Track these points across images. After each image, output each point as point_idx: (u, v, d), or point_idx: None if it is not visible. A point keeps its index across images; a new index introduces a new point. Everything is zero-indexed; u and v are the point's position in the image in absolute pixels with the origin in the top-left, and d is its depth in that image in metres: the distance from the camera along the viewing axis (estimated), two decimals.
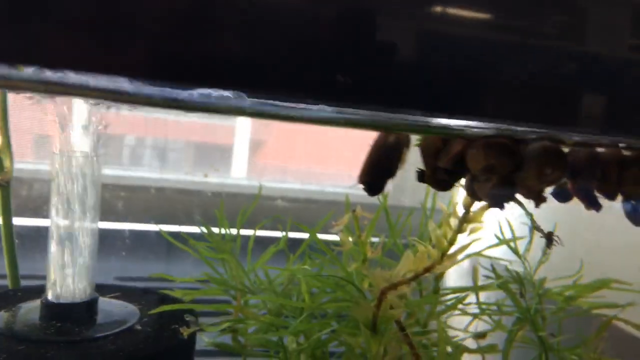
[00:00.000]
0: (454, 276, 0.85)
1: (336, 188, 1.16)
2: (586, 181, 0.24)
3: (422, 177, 0.25)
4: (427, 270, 0.43)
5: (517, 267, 0.63)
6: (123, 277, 0.85)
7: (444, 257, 0.43)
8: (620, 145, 0.24)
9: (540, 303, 0.61)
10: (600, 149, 0.24)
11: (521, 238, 0.63)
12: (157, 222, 1.05)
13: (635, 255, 0.87)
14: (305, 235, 0.54)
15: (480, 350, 0.54)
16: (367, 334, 0.43)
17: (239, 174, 1.19)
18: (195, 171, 1.16)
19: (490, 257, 0.65)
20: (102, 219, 0.47)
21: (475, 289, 0.60)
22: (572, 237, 1.02)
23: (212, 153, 1.19)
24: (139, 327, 0.46)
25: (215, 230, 0.56)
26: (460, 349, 0.56)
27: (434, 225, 0.43)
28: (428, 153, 0.25)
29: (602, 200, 0.49)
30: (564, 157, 0.23)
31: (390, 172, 0.28)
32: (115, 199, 0.99)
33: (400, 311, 0.43)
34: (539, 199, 0.24)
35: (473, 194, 0.24)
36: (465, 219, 0.43)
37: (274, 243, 0.56)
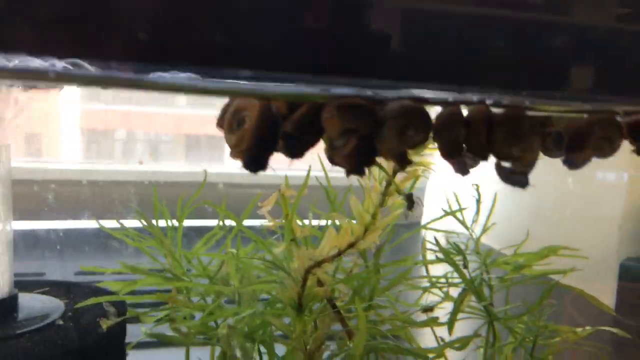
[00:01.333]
0: None
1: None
2: (452, 142, 0.23)
3: None
4: (351, 245, 0.42)
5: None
6: (82, 272, 0.84)
7: (367, 232, 0.42)
8: (488, 102, 0.23)
9: (488, 273, 0.61)
10: (466, 108, 0.23)
11: (465, 208, 0.62)
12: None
13: (598, 224, 0.87)
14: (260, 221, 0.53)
15: (423, 323, 0.54)
16: (292, 314, 0.42)
17: (231, 163, 1.18)
18: (188, 162, 1.14)
19: (439, 231, 0.65)
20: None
21: (424, 262, 0.60)
22: (540, 204, 1.02)
23: (204, 144, 1.18)
24: (61, 322, 0.44)
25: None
26: (407, 323, 0.55)
27: (355, 199, 0.43)
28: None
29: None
30: (426, 116, 0.22)
31: (274, 145, 0.26)
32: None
33: (326, 289, 0.42)
34: (402, 162, 0.23)
35: (331, 160, 0.23)
36: (387, 192, 0.42)
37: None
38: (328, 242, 0.42)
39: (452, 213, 0.62)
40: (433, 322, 0.53)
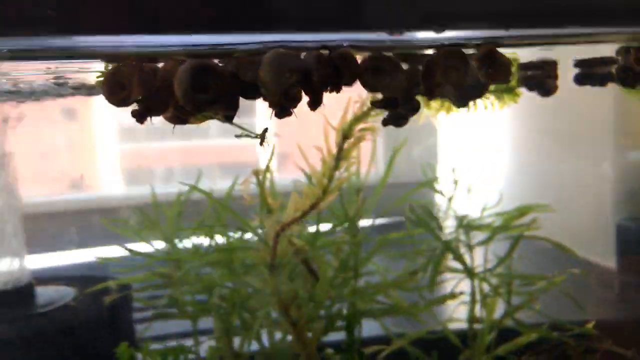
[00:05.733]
0: None
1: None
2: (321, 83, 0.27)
3: None
4: (313, 207, 0.47)
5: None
6: None
7: (325, 194, 0.47)
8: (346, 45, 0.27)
9: (467, 235, 0.65)
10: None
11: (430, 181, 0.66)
12: None
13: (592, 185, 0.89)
14: None
15: (405, 285, 0.58)
16: (265, 273, 0.47)
17: None
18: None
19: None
20: None
21: (407, 233, 0.64)
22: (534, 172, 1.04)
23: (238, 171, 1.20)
24: (71, 304, 0.51)
25: None
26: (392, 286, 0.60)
27: (312, 166, 0.48)
28: None
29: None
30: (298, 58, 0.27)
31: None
32: None
33: (295, 248, 0.47)
34: (281, 111, 0.27)
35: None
36: (340, 156, 0.47)
37: None
38: (292, 206, 0.47)
39: (428, 182, 0.66)
40: (413, 280, 0.57)
